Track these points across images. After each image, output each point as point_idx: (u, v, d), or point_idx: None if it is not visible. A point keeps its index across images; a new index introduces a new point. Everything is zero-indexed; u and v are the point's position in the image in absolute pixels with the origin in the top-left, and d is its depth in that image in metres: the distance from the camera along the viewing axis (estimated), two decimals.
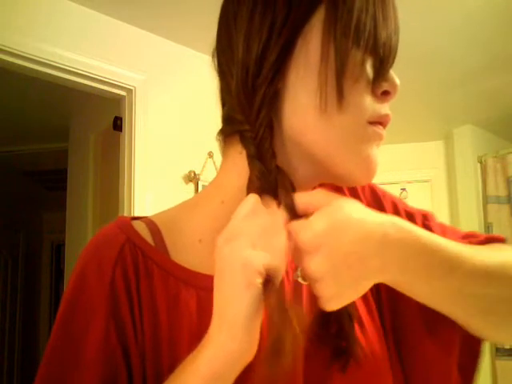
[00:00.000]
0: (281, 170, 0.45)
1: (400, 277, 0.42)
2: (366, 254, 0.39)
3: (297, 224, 0.40)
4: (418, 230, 0.42)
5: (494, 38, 2.26)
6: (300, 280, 0.42)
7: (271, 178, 0.44)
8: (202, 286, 0.46)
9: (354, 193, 0.58)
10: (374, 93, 0.45)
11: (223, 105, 0.51)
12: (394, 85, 0.46)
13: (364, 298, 0.51)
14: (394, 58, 0.46)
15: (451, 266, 0.42)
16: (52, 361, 0.44)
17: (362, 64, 0.44)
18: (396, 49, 0.46)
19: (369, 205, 0.57)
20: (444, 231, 0.56)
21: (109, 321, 0.43)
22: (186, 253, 0.49)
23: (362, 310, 0.51)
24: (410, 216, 0.57)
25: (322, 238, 0.38)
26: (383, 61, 0.45)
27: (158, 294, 0.46)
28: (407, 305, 0.50)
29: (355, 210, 0.40)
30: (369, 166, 0.46)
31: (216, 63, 0.50)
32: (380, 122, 0.46)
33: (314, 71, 0.44)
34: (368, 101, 0.45)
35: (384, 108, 0.46)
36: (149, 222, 0.50)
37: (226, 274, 0.38)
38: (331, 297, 0.39)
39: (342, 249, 0.38)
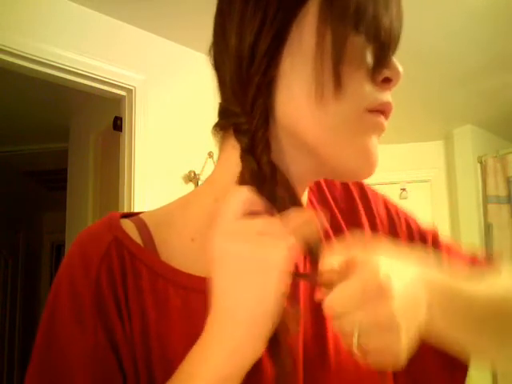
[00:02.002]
0: (274, 166, 0.43)
1: (441, 322, 0.42)
2: (418, 301, 0.39)
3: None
4: (439, 275, 0.44)
5: (494, 37, 2.26)
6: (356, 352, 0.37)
7: (262, 174, 0.42)
8: (192, 288, 0.45)
9: (371, 219, 0.57)
10: (374, 80, 0.42)
11: (220, 99, 0.49)
12: (396, 71, 0.43)
13: None
14: (397, 44, 0.43)
15: (468, 305, 0.44)
16: (41, 363, 0.42)
17: (362, 50, 0.41)
18: (399, 35, 0.43)
19: (386, 231, 0.57)
20: (449, 251, 0.57)
21: (96, 321, 0.42)
22: (176, 252, 0.47)
23: None
24: (423, 236, 0.58)
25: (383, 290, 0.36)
26: (384, 47, 0.42)
27: (145, 295, 0.44)
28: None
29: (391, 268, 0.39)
30: (368, 159, 0.44)
31: (212, 56, 0.49)
32: (381, 110, 0.43)
33: (308, 58, 0.42)
34: (367, 88, 0.42)
35: (385, 95, 0.43)
36: (138, 221, 0.49)
37: (248, 275, 0.36)
38: (402, 350, 0.37)
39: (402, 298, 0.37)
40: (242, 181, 0.42)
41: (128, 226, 0.48)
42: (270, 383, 0.39)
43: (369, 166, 0.44)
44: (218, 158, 0.50)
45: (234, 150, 0.45)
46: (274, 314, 0.37)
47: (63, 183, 2.91)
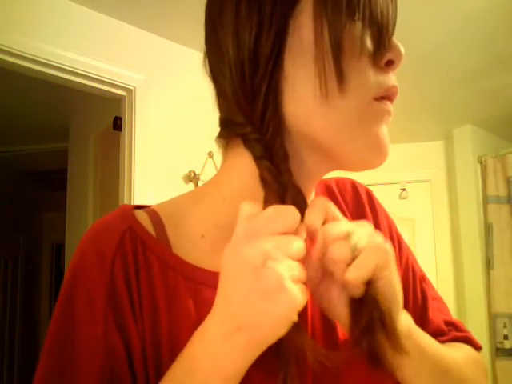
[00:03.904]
0: (293, 176, 0.43)
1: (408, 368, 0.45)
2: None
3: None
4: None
5: (493, 38, 2.26)
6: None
7: (283, 180, 0.42)
8: (201, 281, 0.45)
9: (377, 226, 0.58)
10: (376, 65, 0.42)
11: (220, 109, 0.48)
12: (397, 52, 0.43)
13: None
14: (394, 25, 0.43)
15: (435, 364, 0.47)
16: (52, 353, 0.43)
17: (361, 38, 0.41)
18: (395, 18, 0.43)
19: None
20: (433, 309, 0.59)
21: (107, 313, 0.42)
22: (187, 247, 0.47)
23: None
24: (413, 273, 0.59)
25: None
26: (383, 29, 0.41)
27: (156, 286, 0.44)
28: None
29: None
30: (379, 146, 0.43)
31: (207, 67, 0.48)
32: (387, 95, 0.43)
33: (309, 56, 0.41)
34: (371, 76, 0.42)
35: (389, 79, 0.43)
36: (151, 213, 0.49)
37: (264, 295, 0.35)
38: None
39: None
40: (266, 185, 0.42)
41: (142, 216, 0.48)
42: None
43: (381, 155, 0.44)
44: (222, 163, 0.50)
45: (239, 158, 0.46)
46: (280, 335, 0.37)
47: (63, 183, 2.91)
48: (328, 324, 0.48)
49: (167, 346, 0.43)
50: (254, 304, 0.36)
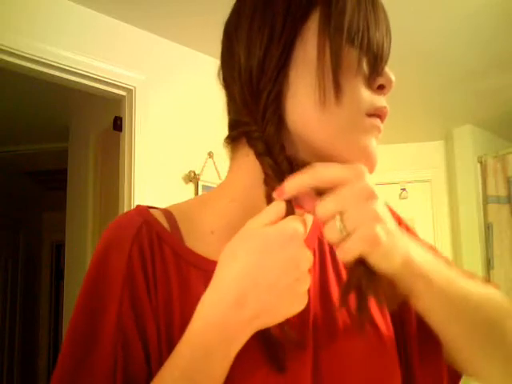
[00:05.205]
0: (291, 160, 0.47)
1: (439, 309, 0.47)
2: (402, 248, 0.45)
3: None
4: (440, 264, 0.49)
5: (493, 38, 2.26)
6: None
7: (282, 170, 0.46)
8: (213, 271, 0.47)
9: None
10: (370, 87, 0.48)
11: (229, 113, 0.54)
12: (388, 80, 0.49)
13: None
14: (387, 58, 0.50)
15: (464, 300, 0.48)
16: (75, 336, 0.47)
17: (358, 61, 0.47)
18: (389, 50, 0.50)
19: None
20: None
21: (124, 300, 0.46)
22: (198, 241, 0.52)
23: (375, 311, 0.54)
24: None
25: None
26: (377, 58, 0.48)
27: (171, 274, 0.49)
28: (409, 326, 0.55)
29: None
30: (368, 157, 0.48)
31: (221, 78, 0.54)
32: (378, 114, 0.49)
33: (312, 68, 0.47)
34: (365, 94, 0.48)
35: (381, 100, 0.49)
36: (165, 211, 0.54)
37: (290, 292, 0.41)
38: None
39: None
40: (268, 179, 0.47)
41: (157, 213, 0.53)
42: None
43: (369, 166, 0.48)
44: (230, 166, 0.55)
45: (245, 158, 0.51)
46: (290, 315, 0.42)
47: (63, 183, 2.92)
48: (327, 307, 0.52)
49: (179, 324, 0.46)
50: (278, 294, 0.40)
